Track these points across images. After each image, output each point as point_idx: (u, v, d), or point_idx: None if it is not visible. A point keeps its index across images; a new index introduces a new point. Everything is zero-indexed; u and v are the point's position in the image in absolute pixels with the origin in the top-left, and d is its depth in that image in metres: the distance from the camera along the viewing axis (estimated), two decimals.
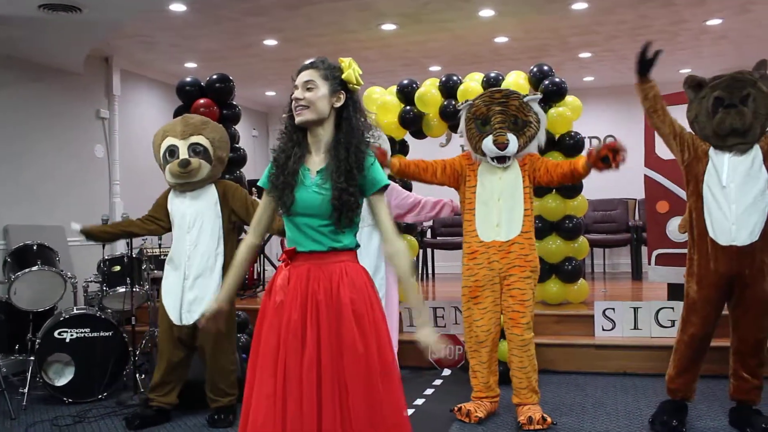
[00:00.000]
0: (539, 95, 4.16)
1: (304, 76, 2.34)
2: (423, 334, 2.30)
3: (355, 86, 2.36)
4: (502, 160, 3.93)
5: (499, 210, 3.91)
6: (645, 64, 3.73)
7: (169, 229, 4.27)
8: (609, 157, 3.61)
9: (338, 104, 2.34)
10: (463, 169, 4.07)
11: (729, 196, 3.53)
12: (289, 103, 2.38)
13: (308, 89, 2.31)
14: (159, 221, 4.25)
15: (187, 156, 4.09)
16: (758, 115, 3.53)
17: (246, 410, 2.31)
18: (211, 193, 4.18)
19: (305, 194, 2.30)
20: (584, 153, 3.87)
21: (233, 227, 4.24)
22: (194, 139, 4.15)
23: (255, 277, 7.13)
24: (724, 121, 3.53)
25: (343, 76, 2.34)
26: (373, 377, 2.25)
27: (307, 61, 2.39)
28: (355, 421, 2.21)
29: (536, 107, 4.00)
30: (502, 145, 3.86)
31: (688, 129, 3.75)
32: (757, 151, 3.56)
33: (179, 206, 4.17)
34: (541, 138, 4.01)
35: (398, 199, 4.39)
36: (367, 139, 2.34)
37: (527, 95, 4.03)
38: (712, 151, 3.61)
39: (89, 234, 4.30)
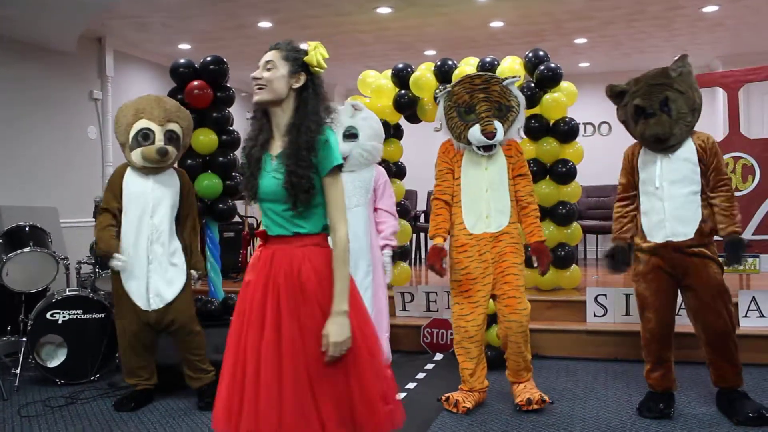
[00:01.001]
0: (518, 77, 4.11)
1: (266, 56, 2.35)
2: (328, 323, 2.22)
3: (317, 69, 2.35)
4: (488, 148, 3.87)
5: (488, 201, 3.87)
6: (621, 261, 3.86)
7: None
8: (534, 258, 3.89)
9: (297, 85, 2.33)
10: (451, 162, 3.99)
11: (662, 194, 3.66)
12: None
13: (268, 69, 2.32)
14: (118, 212, 4.11)
15: (163, 143, 4.06)
16: (680, 115, 3.61)
17: (219, 385, 2.34)
18: (174, 180, 4.17)
19: (266, 180, 2.31)
20: (533, 247, 3.94)
21: (194, 210, 4.29)
22: (170, 126, 4.13)
23: (248, 260, 7.13)
24: (644, 131, 3.65)
25: (305, 58, 2.34)
26: (341, 361, 2.23)
27: (272, 44, 2.39)
28: (321, 401, 2.20)
29: (515, 90, 3.94)
30: (491, 135, 3.79)
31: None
32: (689, 149, 3.65)
33: (140, 187, 4.07)
34: (520, 119, 3.97)
35: (387, 197, 4.36)
36: (324, 122, 2.32)
37: (506, 78, 3.95)
38: (641, 158, 3.77)
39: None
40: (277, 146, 2.34)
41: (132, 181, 4.10)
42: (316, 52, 2.33)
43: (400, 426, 2.36)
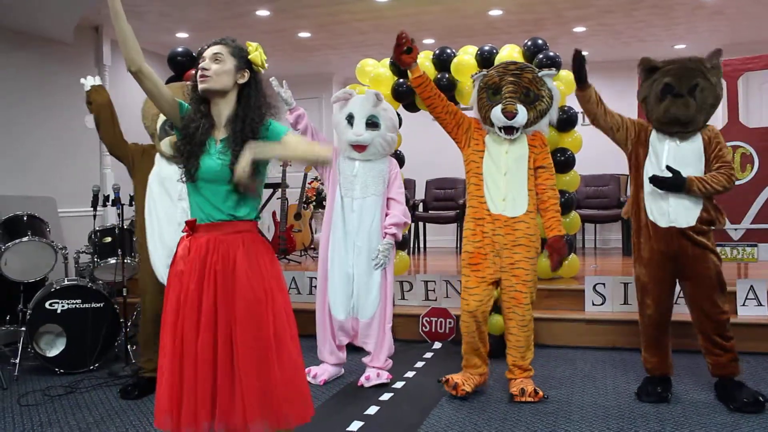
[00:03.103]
0: (554, 71, 4.11)
1: (214, 48, 2.46)
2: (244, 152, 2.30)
3: (260, 68, 2.48)
4: (509, 131, 3.86)
5: (506, 184, 3.87)
6: (583, 72, 3.82)
7: (113, 154, 4.30)
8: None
9: (241, 81, 2.46)
10: (471, 128, 4.00)
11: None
12: (194, 75, 2.48)
13: (216, 60, 2.43)
14: (123, 152, 4.26)
15: None
16: (704, 106, 3.66)
17: (158, 383, 2.39)
18: None
19: (209, 161, 2.39)
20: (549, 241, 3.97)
21: None
22: None
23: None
24: (668, 110, 3.66)
25: (249, 57, 2.47)
26: (266, 349, 2.31)
27: (217, 39, 2.50)
28: (246, 390, 2.27)
29: (550, 83, 3.95)
30: (510, 114, 3.80)
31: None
32: (698, 141, 3.71)
33: (168, 171, 4.06)
34: (552, 114, 3.98)
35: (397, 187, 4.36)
36: (266, 115, 2.45)
37: (542, 70, 3.98)
38: (653, 136, 3.78)
39: (91, 97, 4.33)
40: (220, 133, 2.44)
41: (162, 166, 4.11)
42: (258, 53, 2.47)
43: (308, 420, 2.42)
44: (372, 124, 4.21)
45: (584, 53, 3.80)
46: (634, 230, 3.90)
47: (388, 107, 4.36)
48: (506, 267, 3.88)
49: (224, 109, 2.45)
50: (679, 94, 3.64)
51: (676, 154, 3.70)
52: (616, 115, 3.90)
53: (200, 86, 2.42)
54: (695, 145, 3.70)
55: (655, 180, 3.64)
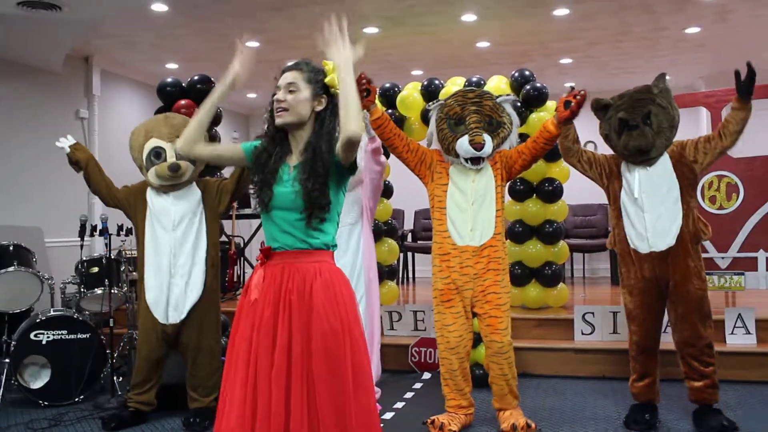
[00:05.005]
0: (512, 96, 4.16)
1: (288, 77, 2.36)
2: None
3: (337, 91, 2.34)
4: (476, 161, 3.83)
5: (474, 215, 3.84)
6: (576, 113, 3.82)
7: (109, 205, 4.30)
8: (570, 101, 3.72)
9: (319, 108, 2.36)
10: (433, 162, 3.97)
11: (642, 206, 3.75)
12: (270, 103, 2.39)
13: (290, 91, 2.33)
14: (118, 199, 4.25)
15: (174, 159, 4.07)
16: (661, 130, 3.73)
17: (221, 410, 2.31)
18: (195, 193, 4.18)
19: (282, 189, 2.32)
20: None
21: (217, 224, 4.26)
22: None
23: (235, 279, 7.09)
24: (628, 143, 3.74)
25: (325, 80, 2.36)
26: (343, 381, 2.23)
27: (291, 62, 2.40)
28: (323, 424, 2.20)
29: (509, 108, 3.95)
30: (478, 146, 3.77)
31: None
32: (666, 162, 3.78)
33: (162, 203, 4.12)
34: (512, 139, 3.98)
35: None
36: (337, 141, 2.32)
37: (500, 96, 3.98)
38: (623, 167, 3.86)
39: (75, 157, 4.31)
40: (295, 159, 2.37)
41: (154, 200, 4.15)
42: (336, 75, 2.32)
43: None
44: None
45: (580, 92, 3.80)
46: (619, 260, 3.94)
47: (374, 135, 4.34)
48: (478, 295, 3.83)
49: (301, 138, 2.36)
50: (634, 126, 3.71)
51: (647, 180, 3.76)
52: (588, 153, 3.97)
53: (277, 121, 2.33)
54: (664, 166, 3.76)
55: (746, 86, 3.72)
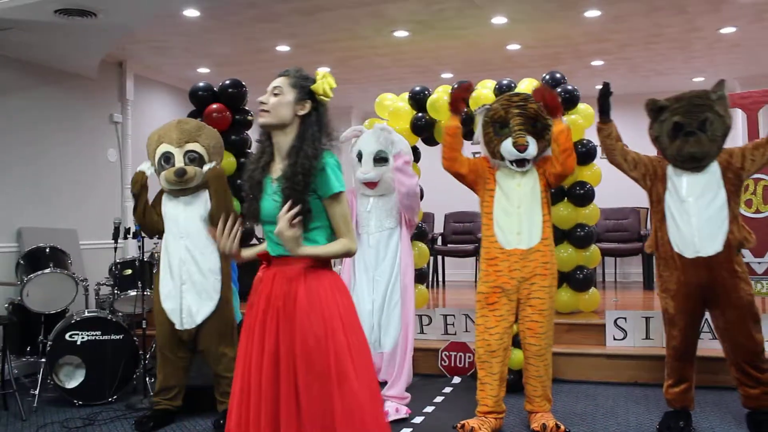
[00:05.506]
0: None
1: (275, 82, 2.44)
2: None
3: (323, 97, 2.42)
4: (521, 163, 3.86)
5: (520, 218, 3.86)
6: (607, 105, 3.85)
7: (162, 230, 4.26)
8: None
9: (302, 112, 2.41)
10: (484, 169, 4.01)
11: (689, 210, 3.67)
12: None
13: (275, 94, 2.41)
14: (156, 222, 4.25)
15: (182, 164, 4.12)
16: (715, 138, 3.67)
17: (230, 407, 2.40)
18: (204, 198, 4.23)
19: (266, 202, 2.39)
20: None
21: None
22: (190, 146, 4.19)
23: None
24: (682, 149, 3.66)
25: (312, 86, 2.41)
26: (327, 384, 2.26)
27: (282, 70, 2.47)
28: (307, 426, 2.24)
29: None
30: (522, 147, 3.80)
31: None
32: (715, 168, 3.70)
33: (172, 210, 4.19)
34: None
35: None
36: (322, 148, 2.38)
37: None
38: (670, 170, 3.78)
39: (140, 193, 4.23)
40: (278, 169, 2.41)
41: (166, 205, 4.23)
42: (323, 81, 2.41)
43: None
44: (380, 159, 4.23)
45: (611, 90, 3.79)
46: (658, 263, 3.85)
47: (398, 139, 4.36)
48: (523, 298, 3.86)
49: (284, 143, 2.40)
50: (690, 132, 3.64)
51: (696, 184, 3.69)
52: (632, 153, 3.90)
53: (259, 121, 2.42)
54: (712, 173, 3.69)
55: None
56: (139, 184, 4.20)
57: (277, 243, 2.36)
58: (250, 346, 2.36)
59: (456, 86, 4.01)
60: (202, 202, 4.20)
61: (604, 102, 3.86)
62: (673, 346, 3.80)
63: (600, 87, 3.87)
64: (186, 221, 4.15)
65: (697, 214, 3.65)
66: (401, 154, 4.26)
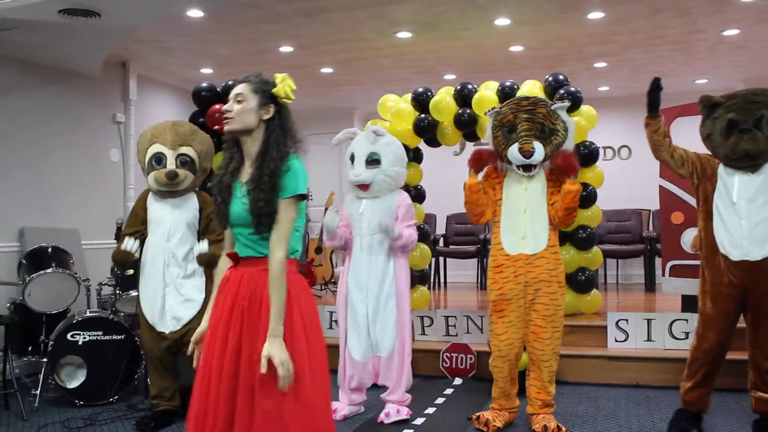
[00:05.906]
0: (567, 103, 4.11)
1: (236, 89, 2.45)
2: (266, 346, 2.25)
3: (285, 100, 2.45)
4: (527, 168, 3.88)
5: (525, 222, 3.88)
6: (657, 100, 3.74)
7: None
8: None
9: (266, 116, 2.43)
10: (490, 189, 4.03)
11: (740, 212, 3.56)
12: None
13: (238, 101, 2.42)
14: (143, 233, 4.24)
15: (174, 167, 4.12)
16: None
17: (192, 397, 2.43)
18: (193, 203, 4.24)
19: (235, 206, 2.41)
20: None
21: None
22: (183, 149, 4.20)
23: None
24: (737, 146, 3.54)
25: (273, 90, 2.44)
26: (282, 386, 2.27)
27: (242, 76, 2.49)
28: (259, 426, 2.27)
29: (564, 115, 3.94)
30: (527, 153, 3.81)
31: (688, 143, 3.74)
32: (767, 169, 3.58)
33: (159, 212, 4.20)
34: (568, 146, 3.95)
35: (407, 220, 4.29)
36: (287, 151, 2.40)
37: (555, 103, 3.99)
38: (721, 169, 3.66)
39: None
40: (247, 173, 2.44)
41: (153, 206, 4.22)
42: (284, 84, 2.44)
43: None
44: (372, 161, 4.22)
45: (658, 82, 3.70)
46: (702, 262, 3.74)
47: (391, 140, 4.34)
48: (529, 303, 3.88)
49: (252, 148, 2.43)
50: (745, 129, 3.53)
51: (748, 185, 3.57)
52: (680, 150, 3.80)
53: (225, 128, 2.44)
54: (765, 174, 3.57)
55: None
56: (126, 265, 4.29)
57: (246, 245, 2.40)
58: (212, 342, 2.38)
59: (478, 148, 4.03)
60: (191, 206, 4.22)
61: (654, 97, 3.74)
62: (705, 348, 3.68)
63: (651, 82, 3.79)
64: (172, 223, 4.15)
65: (748, 217, 3.54)
66: (401, 203, 4.26)
